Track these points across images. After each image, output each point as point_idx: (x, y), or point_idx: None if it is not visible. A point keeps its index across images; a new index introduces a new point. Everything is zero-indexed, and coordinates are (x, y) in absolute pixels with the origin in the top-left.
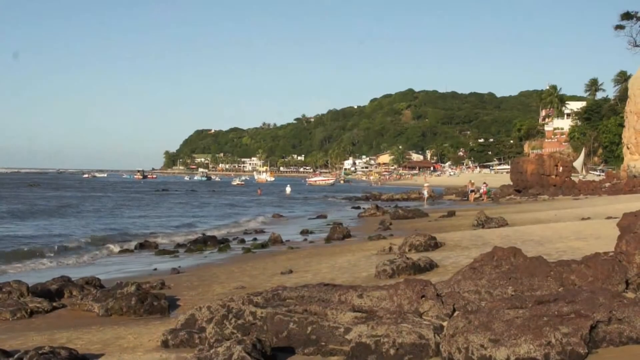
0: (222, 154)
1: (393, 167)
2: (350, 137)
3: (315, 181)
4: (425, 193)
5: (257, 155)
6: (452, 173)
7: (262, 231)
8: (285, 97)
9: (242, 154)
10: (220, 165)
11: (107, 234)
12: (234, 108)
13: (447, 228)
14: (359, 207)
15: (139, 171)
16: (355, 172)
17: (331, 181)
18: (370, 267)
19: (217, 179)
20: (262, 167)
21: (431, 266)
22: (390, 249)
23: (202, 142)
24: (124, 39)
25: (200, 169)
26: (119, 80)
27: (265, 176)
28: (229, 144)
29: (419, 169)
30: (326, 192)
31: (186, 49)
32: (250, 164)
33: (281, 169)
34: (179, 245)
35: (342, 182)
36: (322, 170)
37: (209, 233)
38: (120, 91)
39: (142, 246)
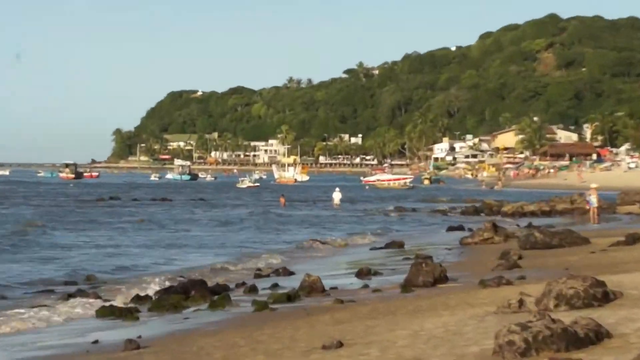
0: (216, 134)
1: (523, 156)
2: (445, 102)
3: (381, 181)
4: (594, 201)
5: (279, 136)
6: (632, 164)
7: (287, 271)
8: (326, 34)
9: (253, 134)
10: (213, 153)
11: (7, 278)
12: (235, 57)
13: (625, 266)
14: (460, 228)
15: (67, 166)
16: (453, 164)
17: (409, 180)
18: (484, 336)
19: (209, 177)
20: (288, 156)
21: (599, 336)
22: (521, 303)
23: (181, 114)
24: None
25: (178, 161)
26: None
27: (293, 173)
28: (228, 116)
29: (571, 158)
30: (401, 199)
31: None
32: (266, 150)
33: (321, 159)
34: (140, 298)
35: (427, 182)
36: (393, 162)
37: (194, 275)
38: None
39: (74, 297)
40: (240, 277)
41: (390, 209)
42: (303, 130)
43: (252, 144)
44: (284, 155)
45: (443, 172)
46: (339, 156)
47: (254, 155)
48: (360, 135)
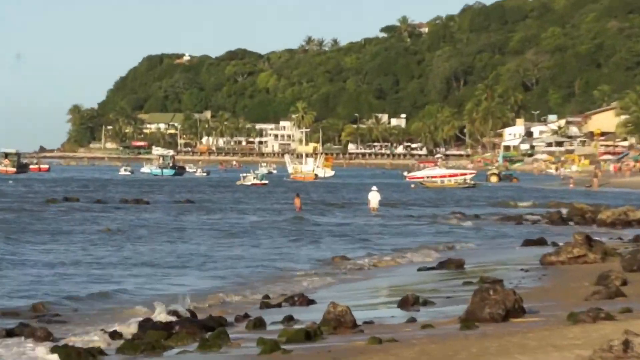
0: (209, 114)
1: (626, 144)
2: (519, 71)
3: (432, 178)
4: None
5: (294, 117)
6: None
7: (305, 299)
8: None
9: (258, 113)
10: (205, 139)
11: None
12: (235, 9)
13: None
14: (541, 242)
15: (6, 156)
16: (530, 154)
17: (470, 177)
18: None
19: (200, 171)
20: (306, 144)
21: None
22: (627, 345)
23: (162, 87)
24: None
25: (158, 150)
26: None
27: (313, 166)
28: (225, 89)
29: None
30: (460, 202)
31: None
32: (277, 135)
33: (350, 147)
34: (108, 334)
35: (495, 178)
36: (448, 152)
37: (181, 306)
38: None
39: (14, 336)
40: (241, 308)
41: (445, 215)
42: (326, 109)
43: (258, 126)
44: (300, 142)
45: (516, 165)
46: (375, 144)
47: (260, 143)
48: (403, 116)
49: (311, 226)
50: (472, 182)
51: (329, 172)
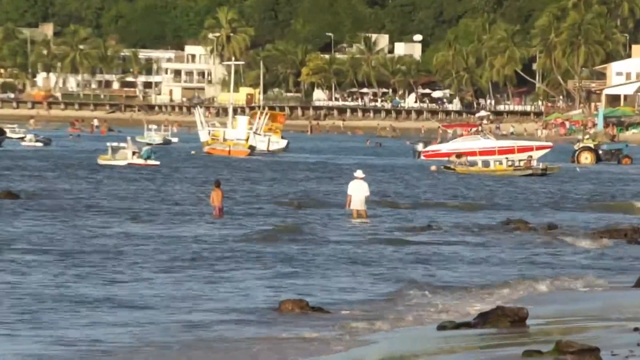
0: (50, 28)
1: None
2: None
3: (466, 157)
4: None
5: (213, 37)
6: None
7: None
8: None
9: (145, 30)
10: (42, 77)
11: None
12: None
13: None
14: None
15: None
16: None
17: (540, 154)
18: None
19: (32, 138)
20: (235, 90)
21: None
22: None
23: None
24: None
25: None
26: None
27: (246, 131)
28: None
29: None
30: (517, 201)
31: None
32: (178, 72)
33: (317, 96)
34: None
35: (589, 156)
36: (501, 107)
37: None
38: None
39: None
40: None
41: (492, 225)
42: (273, 24)
43: (143, 55)
44: (223, 85)
45: (631, 132)
46: (364, 90)
47: (148, 86)
48: (418, 39)
49: (239, 246)
50: (543, 166)
51: (277, 142)
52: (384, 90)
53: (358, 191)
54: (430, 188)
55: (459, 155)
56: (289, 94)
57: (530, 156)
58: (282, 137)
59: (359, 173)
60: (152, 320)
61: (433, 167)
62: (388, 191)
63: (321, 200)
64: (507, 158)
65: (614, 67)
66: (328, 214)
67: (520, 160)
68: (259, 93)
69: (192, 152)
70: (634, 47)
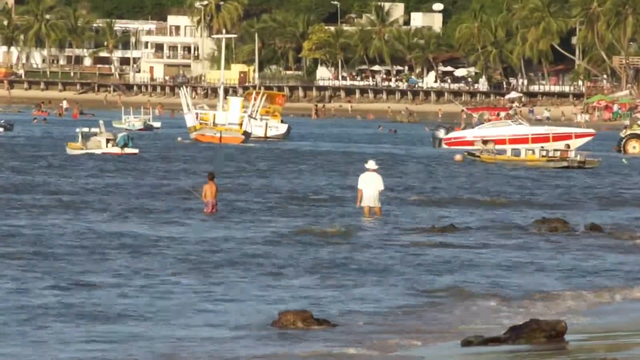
0: None
1: None
2: None
3: (494, 144)
4: None
5: (199, 5)
6: None
7: None
8: None
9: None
10: (2, 52)
11: None
12: None
13: None
14: None
15: None
16: None
17: (580, 143)
18: None
19: None
20: (226, 67)
21: None
22: None
23: None
24: None
25: None
26: None
27: (240, 114)
28: None
29: None
30: (554, 198)
31: None
32: (160, 46)
33: (321, 74)
34: None
35: (636, 146)
36: (535, 88)
37: None
38: None
39: None
40: None
41: (524, 225)
42: None
43: (120, 26)
44: (212, 61)
45: None
46: (375, 68)
47: (125, 62)
48: (438, 8)
49: (234, 245)
50: (581, 158)
51: (276, 128)
52: (399, 68)
53: (370, 185)
54: (450, 180)
55: (485, 141)
56: (288, 72)
57: (568, 145)
58: (282, 122)
59: (371, 164)
60: (137, 334)
61: (458, 157)
62: (404, 182)
63: (326, 192)
64: (542, 147)
65: None
66: (337, 212)
67: (555, 150)
68: (254, 71)
69: (179, 139)
70: None
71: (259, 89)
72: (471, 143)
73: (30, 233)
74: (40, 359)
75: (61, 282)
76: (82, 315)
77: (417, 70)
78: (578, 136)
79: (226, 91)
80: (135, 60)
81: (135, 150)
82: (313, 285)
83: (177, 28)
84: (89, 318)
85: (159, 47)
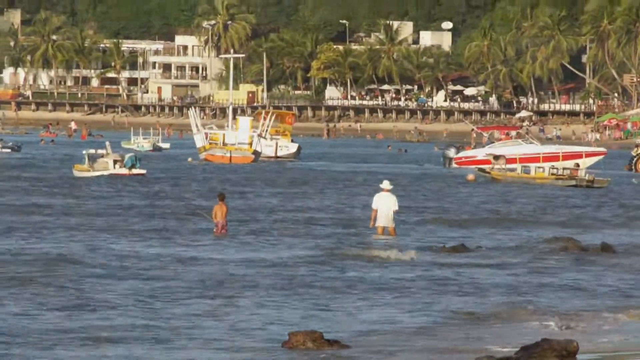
0: (17, 16)
1: None
2: None
3: (505, 163)
4: None
5: (207, 26)
6: None
7: None
8: None
9: (128, 17)
10: (8, 72)
11: None
12: None
13: None
14: None
15: None
16: None
17: (593, 162)
18: None
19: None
20: (235, 86)
21: None
22: None
23: None
24: None
25: None
26: None
27: (250, 134)
28: None
29: None
30: (567, 218)
31: None
32: (168, 66)
33: (330, 94)
34: None
35: None
36: (545, 107)
37: None
38: None
39: None
40: None
41: (534, 244)
42: (278, 11)
43: (128, 46)
44: (220, 81)
45: None
46: (385, 87)
47: (133, 82)
48: (447, 27)
49: (247, 271)
50: (590, 177)
51: (286, 147)
52: (408, 87)
53: (385, 205)
54: (462, 200)
55: (496, 156)
56: (296, 92)
57: (577, 164)
58: (292, 141)
59: (385, 184)
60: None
61: (470, 176)
62: (415, 205)
63: (332, 210)
64: (552, 166)
65: None
66: (350, 232)
67: (564, 169)
68: (262, 91)
69: (189, 159)
70: None
71: (268, 108)
72: (482, 163)
73: (34, 253)
74: None
75: (67, 303)
76: (88, 338)
77: (427, 89)
78: (589, 155)
79: (234, 111)
80: (143, 80)
81: (143, 171)
82: (324, 305)
83: (185, 48)
84: (93, 340)
85: (166, 68)
